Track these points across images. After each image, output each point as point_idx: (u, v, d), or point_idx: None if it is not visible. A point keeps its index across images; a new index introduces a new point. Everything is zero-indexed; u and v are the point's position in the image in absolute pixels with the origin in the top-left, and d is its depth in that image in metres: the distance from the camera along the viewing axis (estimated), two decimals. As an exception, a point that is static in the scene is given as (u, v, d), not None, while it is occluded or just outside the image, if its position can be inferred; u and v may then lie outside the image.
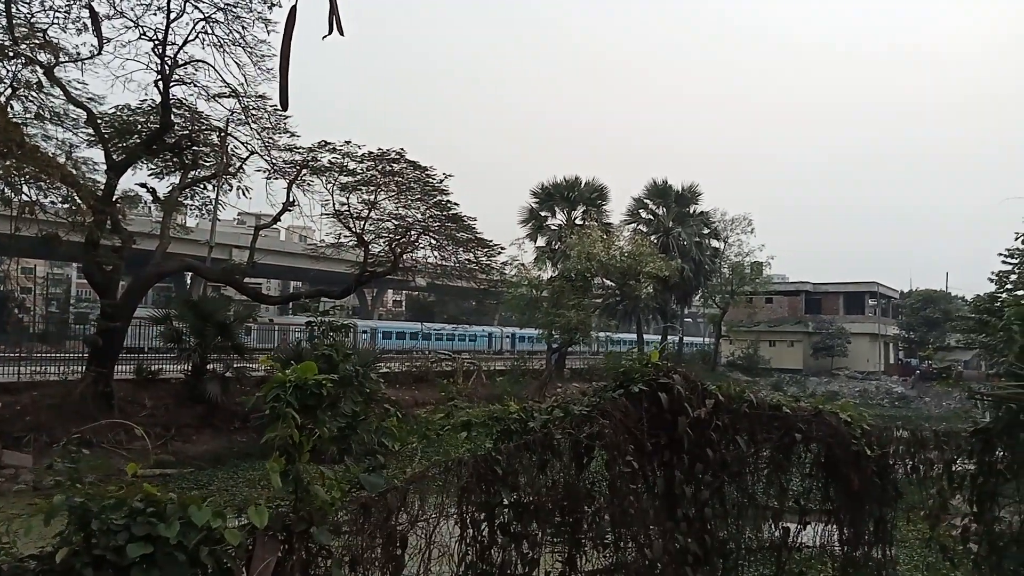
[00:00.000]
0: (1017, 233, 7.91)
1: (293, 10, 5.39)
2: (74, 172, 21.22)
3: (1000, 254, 19.28)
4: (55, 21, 19.90)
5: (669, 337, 57.32)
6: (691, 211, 53.67)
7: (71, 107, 21.68)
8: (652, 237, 49.72)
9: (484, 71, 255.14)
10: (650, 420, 5.36)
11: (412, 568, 4.29)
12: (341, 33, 5.34)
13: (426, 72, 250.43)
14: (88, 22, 19.40)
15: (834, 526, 6.22)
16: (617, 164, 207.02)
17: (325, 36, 5.26)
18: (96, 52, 20.16)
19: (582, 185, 48.74)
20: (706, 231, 54.58)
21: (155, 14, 21.08)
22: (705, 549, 5.46)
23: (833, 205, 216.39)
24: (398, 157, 27.84)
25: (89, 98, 22.12)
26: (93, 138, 23.06)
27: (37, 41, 19.56)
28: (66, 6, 19.76)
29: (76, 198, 20.53)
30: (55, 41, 20.06)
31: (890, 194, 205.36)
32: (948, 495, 6.41)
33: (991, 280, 18.72)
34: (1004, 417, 6.10)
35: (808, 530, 6.18)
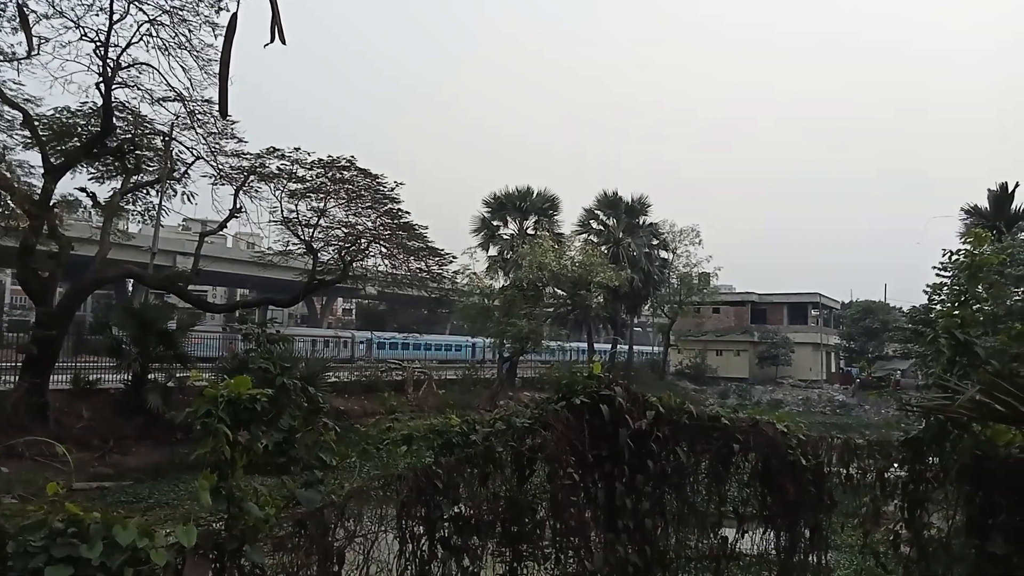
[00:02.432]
0: (944, 249, 8.28)
1: (234, 17, 5.34)
2: (8, 175, 20.56)
3: (934, 267, 19.97)
4: (-12, 19, 19.25)
5: (619, 347, 57.90)
6: (641, 222, 54.39)
7: (6, 108, 20.98)
8: (603, 247, 50.23)
9: (441, 84, 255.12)
10: (592, 432, 5.40)
11: (349, 584, 4.23)
12: (283, 41, 5.31)
13: (382, 84, 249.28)
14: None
15: (771, 534, 6.34)
16: (569, 176, 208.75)
17: (267, 44, 5.22)
18: (29, 52, 19.53)
19: (534, 195, 49.06)
20: (655, 242, 55.36)
21: (97, 15, 20.53)
22: (646, 559, 5.51)
23: (778, 218, 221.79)
24: (348, 164, 27.66)
25: (26, 99, 21.44)
26: (30, 140, 22.32)
27: (-32, 39, 18.89)
28: (0, 3, 19.15)
29: (10, 202, 19.86)
30: (-12, 39, 19.41)
31: (831, 207, 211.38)
32: (881, 502, 6.60)
33: (925, 292, 19.43)
34: (933, 427, 6.30)
35: (746, 538, 6.28)
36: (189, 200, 27.71)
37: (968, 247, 7.94)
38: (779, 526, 6.32)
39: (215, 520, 3.83)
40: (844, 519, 6.93)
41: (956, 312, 7.04)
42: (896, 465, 6.63)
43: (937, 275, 19.83)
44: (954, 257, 8.19)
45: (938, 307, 9.19)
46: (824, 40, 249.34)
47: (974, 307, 7.32)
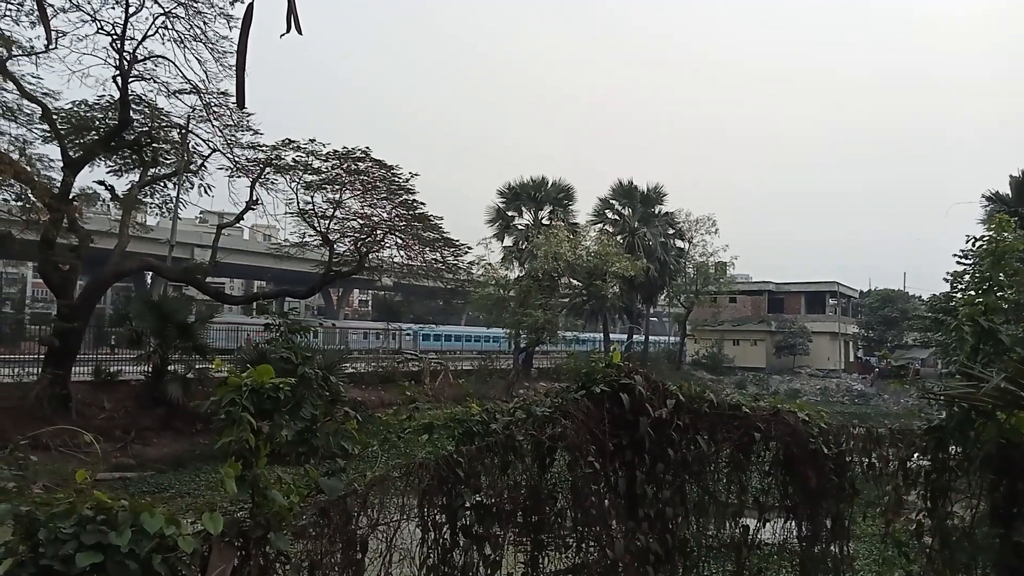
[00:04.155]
0: (968, 235, 8.19)
1: (250, 8, 5.31)
2: (28, 169, 20.75)
3: (955, 255, 19.72)
4: (7, 13, 19.43)
5: (635, 337, 57.75)
6: (656, 211, 54.12)
7: (25, 102, 21.18)
8: (618, 237, 50.04)
9: (455, 76, 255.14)
10: (612, 421, 5.38)
11: (372, 572, 4.25)
12: (299, 31, 5.28)
13: (394, 72, 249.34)
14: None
15: (793, 523, 6.31)
16: (583, 165, 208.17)
17: (283, 35, 5.20)
18: (47, 46, 19.68)
19: (549, 185, 48.91)
20: (671, 231, 55.08)
21: (113, 8, 20.69)
22: (666, 548, 5.49)
23: (797, 205, 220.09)
24: (363, 156, 27.71)
25: (44, 93, 21.63)
26: (48, 134, 22.54)
27: (-11, 34, 19.05)
28: (18, -1, 19.30)
29: (31, 196, 20.07)
30: (7, 34, 19.57)
31: (852, 194, 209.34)
32: (903, 491, 6.54)
33: (946, 280, 19.17)
34: (956, 415, 6.23)
35: (767, 527, 6.26)
36: (206, 192, 27.94)
37: (991, 233, 7.84)
38: (800, 515, 6.28)
39: (237, 509, 3.86)
40: (866, 508, 6.88)
41: (979, 299, 6.95)
42: (918, 454, 6.57)
43: (958, 262, 19.57)
44: (977, 244, 8.09)
45: (960, 295, 9.08)
46: (842, 10, 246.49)
47: (997, 294, 7.23)
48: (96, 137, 23.70)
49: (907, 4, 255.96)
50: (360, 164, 27.94)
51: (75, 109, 23.75)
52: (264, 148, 26.57)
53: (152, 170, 26.22)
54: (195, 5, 21.13)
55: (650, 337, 61.86)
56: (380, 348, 47.35)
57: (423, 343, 58.17)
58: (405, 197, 29.86)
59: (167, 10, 20.98)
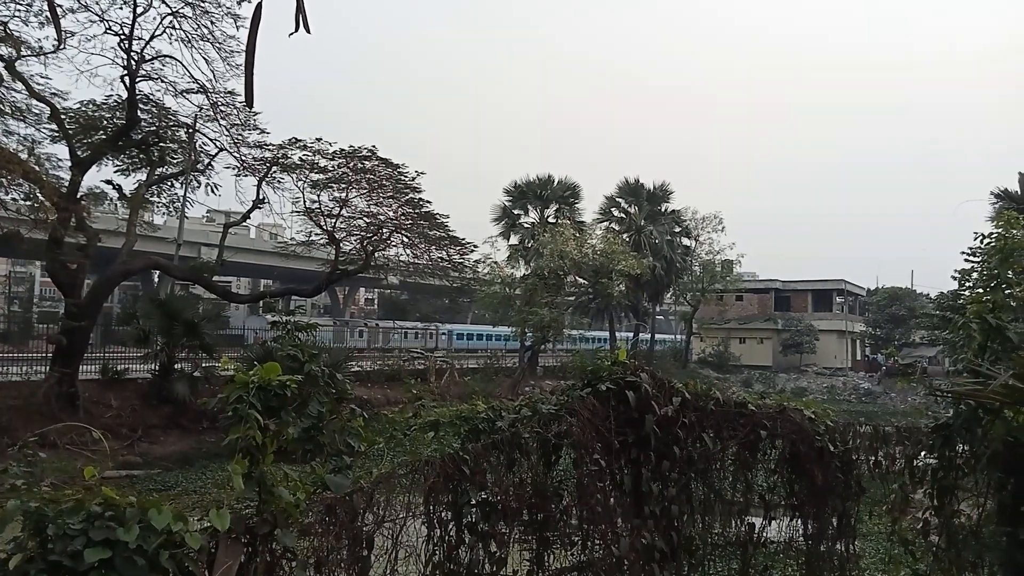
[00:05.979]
0: (976, 233, 8.12)
1: (259, 7, 5.33)
2: (37, 168, 20.81)
3: (963, 252, 19.67)
4: (16, 14, 19.51)
5: (641, 335, 57.64)
6: (663, 209, 53.97)
7: (34, 102, 21.25)
8: (624, 235, 49.90)
9: (460, 71, 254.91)
10: (618, 418, 5.38)
11: (378, 569, 4.27)
12: (308, 31, 5.29)
13: (400, 72, 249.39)
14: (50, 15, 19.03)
15: (799, 521, 6.30)
16: (590, 164, 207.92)
17: (291, 34, 5.22)
18: (57, 46, 19.77)
19: (555, 183, 48.86)
20: (677, 229, 54.90)
21: (121, 8, 20.79)
22: (672, 545, 5.50)
23: (804, 206, 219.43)
24: (370, 154, 27.73)
25: (53, 93, 21.71)
26: (57, 134, 22.62)
27: (-3, 34, 19.13)
28: (27, -1, 19.37)
29: (39, 195, 20.15)
30: (16, 34, 19.64)
31: (859, 194, 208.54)
32: (910, 489, 6.52)
33: (954, 278, 19.11)
34: (963, 413, 6.21)
35: (773, 525, 6.25)
36: (213, 191, 28.05)
37: (999, 231, 7.82)
38: (806, 513, 6.29)
39: (244, 506, 3.88)
40: (872, 506, 6.87)
41: (987, 297, 6.92)
42: (925, 452, 6.55)
43: (966, 260, 19.51)
44: (985, 241, 8.07)
45: (968, 292, 9.04)
46: (851, 26, 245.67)
47: (1005, 291, 7.20)
48: (104, 136, 23.80)
49: None
50: (366, 163, 27.98)
51: (83, 109, 23.85)
52: (271, 147, 26.66)
53: (159, 169, 26.33)
54: (202, 5, 21.21)
55: (656, 335, 61.74)
56: (421, 346, 50.78)
57: (457, 342, 61.26)
58: (411, 196, 29.90)
59: (175, 10, 21.08)
